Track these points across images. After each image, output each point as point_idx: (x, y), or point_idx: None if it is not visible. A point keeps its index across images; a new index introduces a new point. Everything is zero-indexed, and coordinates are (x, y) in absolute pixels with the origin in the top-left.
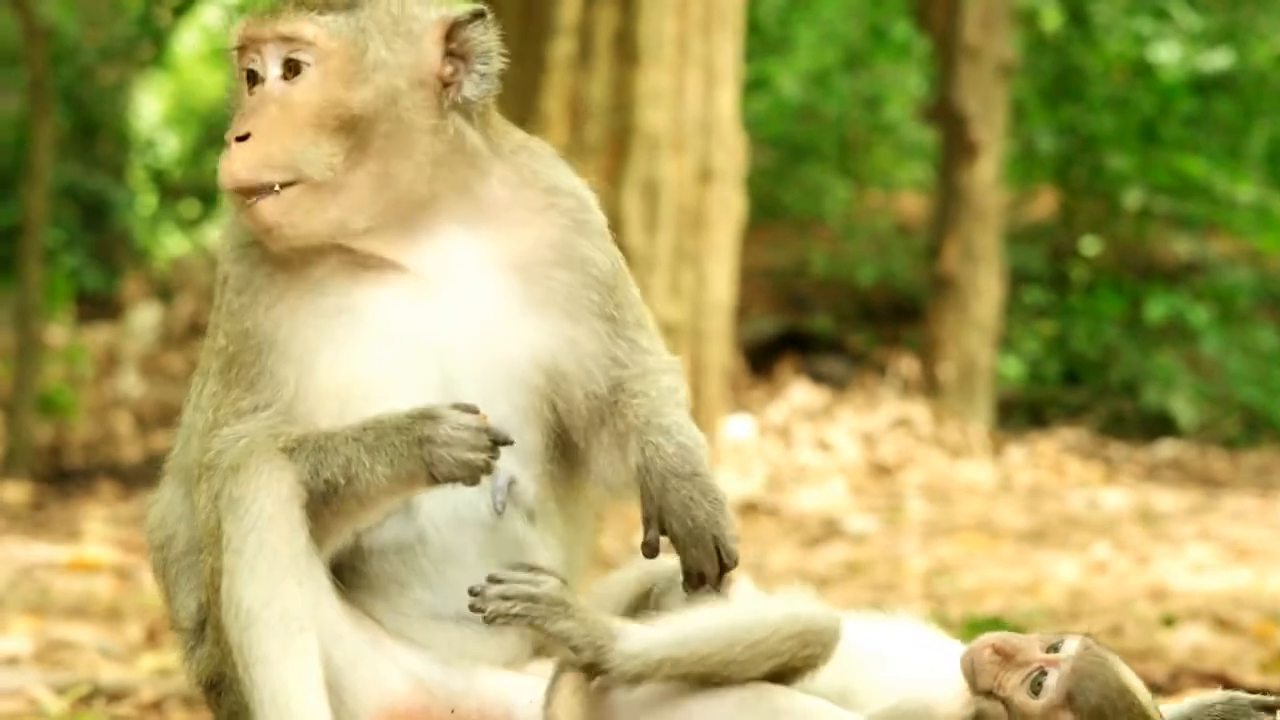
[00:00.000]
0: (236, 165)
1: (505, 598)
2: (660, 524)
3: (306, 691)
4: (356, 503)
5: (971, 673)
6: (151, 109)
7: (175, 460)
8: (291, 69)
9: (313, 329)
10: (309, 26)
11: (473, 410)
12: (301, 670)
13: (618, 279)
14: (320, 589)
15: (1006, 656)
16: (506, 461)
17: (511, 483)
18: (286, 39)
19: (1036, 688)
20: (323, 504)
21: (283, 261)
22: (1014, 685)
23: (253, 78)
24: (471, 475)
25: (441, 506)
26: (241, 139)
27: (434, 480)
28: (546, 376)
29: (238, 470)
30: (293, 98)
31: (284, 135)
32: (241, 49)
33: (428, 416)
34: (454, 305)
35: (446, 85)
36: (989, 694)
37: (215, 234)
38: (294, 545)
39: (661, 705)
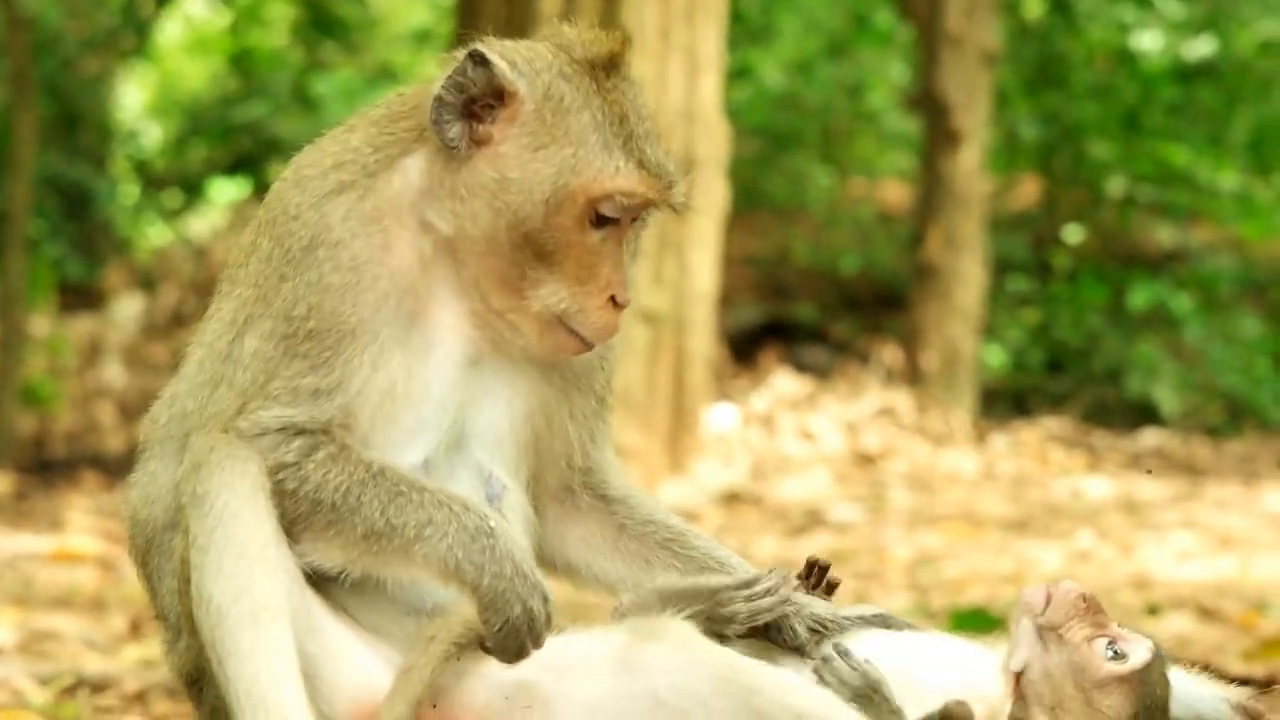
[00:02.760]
0: (618, 329)
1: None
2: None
3: (282, 683)
4: (399, 556)
5: (1042, 603)
6: (134, 99)
7: (163, 430)
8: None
9: (396, 334)
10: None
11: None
12: (275, 662)
13: (615, 366)
14: (292, 580)
15: (1091, 609)
16: (499, 471)
17: (504, 490)
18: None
19: (1118, 655)
20: (361, 539)
21: (404, 256)
22: (1085, 638)
23: (604, 219)
24: (504, 653)
25: None
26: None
27: (489, 617)
28: (547, 427)
29: (199, 468)
30: (630, 240)
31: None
32: (616, 197)
33: (545, 597)
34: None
35: None
36: (1050, 628)
37: (291, 192)
38: (260, 538)
39: (638, 685)
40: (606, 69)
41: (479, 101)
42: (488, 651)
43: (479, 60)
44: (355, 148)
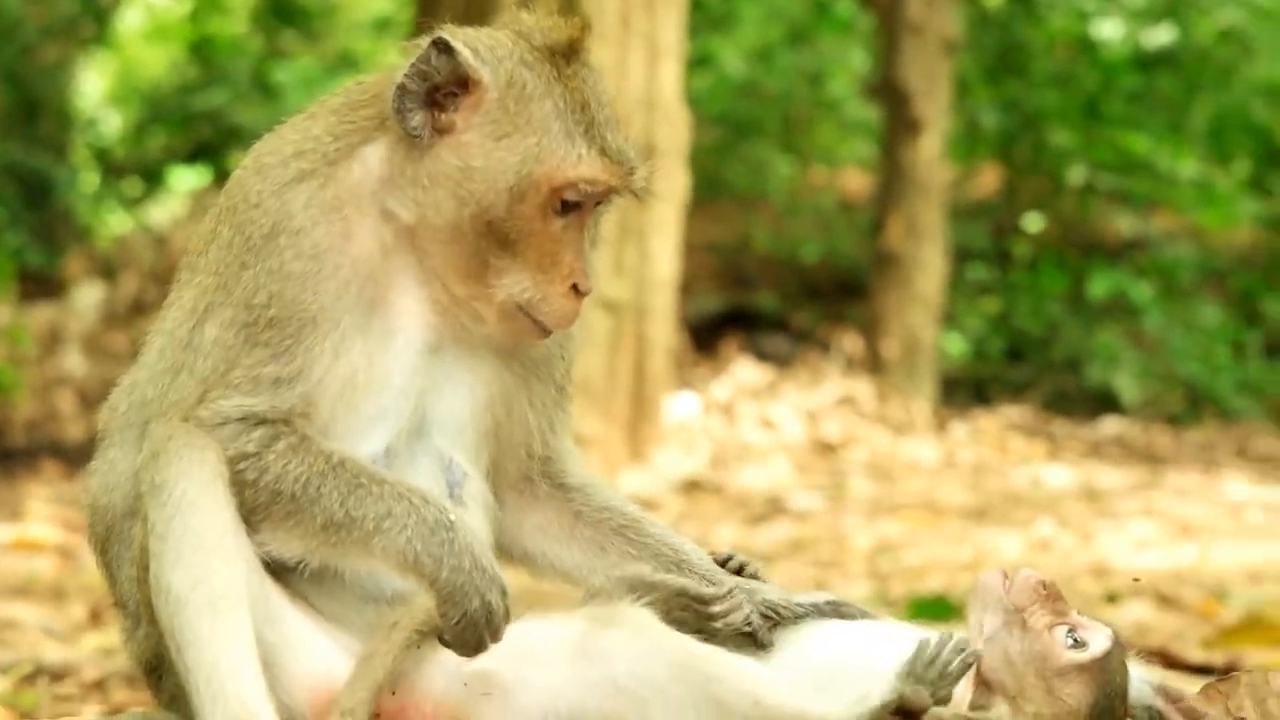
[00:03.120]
0: (578, 316)
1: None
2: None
3: (241, 671)
4: (358, 548)
5: (1000, 588)
6: (94, 87)
7: (123, 418)
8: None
9: (356, 322)
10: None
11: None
12: (234, 650)
13: (575, 355)
14: (251, 568)
15: (1051, 596)
16: (459, 458)
17: (465, 477)
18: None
19: (1078, 643)
20: (320, 530)
21: (365, 244)
22: (1046, 624)
23: (567, 206)
24: (463, 646)
25: None
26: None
27: (447, 610)
28: (506, 415)
29: (157, 456)
30: (591, 226)
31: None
32: (580, 184)
33: (504, 591)
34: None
35: None
36: (1014, 610)
37: (252, 180)
38: (219, 526)
39: (596, 672)
40: (567, 56)
41: (442, 90)
42: (446, 645)
43: (443, 48)
44: (315, 136)
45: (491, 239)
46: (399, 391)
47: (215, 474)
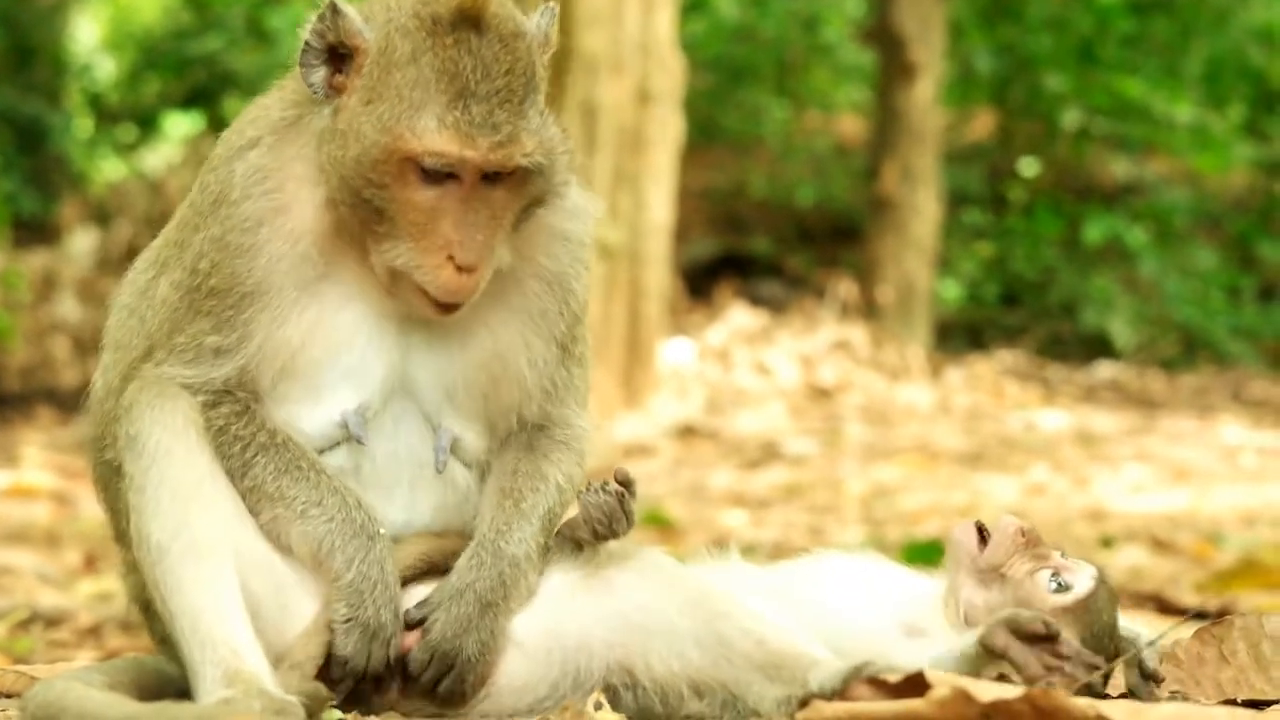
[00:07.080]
0: (465, 291)
1: None
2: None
3: (226, 616)
4: (276, 523)
5: (975, 542)
6: (88, 32)
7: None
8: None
9: (302, 291)
10: (541, 153)
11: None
12: (218, 596)
13: (583, 315)
14: (231, 514)
15: (1031, 542)
16: (449, 422)
17: (455, 440)
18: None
19: (1062, 586)
20: (246, 492)
21: (304, 215)
22: (1026, 572)
23: (433, 176)
24: (344, 647)
25: (381, 445)
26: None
27: (341, 609)
28: (503, 367)
29: (131, 409)
30: (498, 200)
31: (491, 244)
32: (424, 156)
33: (397, 614)
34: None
35: None
36: (992, 568)
37: (220, 143)
38: (195, 473)
39: (603, 605)
40: (453, 24)
41: (340, 51)
42: (333, 649)
43: (334, 9)
44: (267, 105)
45: (367, 206)
46: (363, 354)
47: (189, 422)
